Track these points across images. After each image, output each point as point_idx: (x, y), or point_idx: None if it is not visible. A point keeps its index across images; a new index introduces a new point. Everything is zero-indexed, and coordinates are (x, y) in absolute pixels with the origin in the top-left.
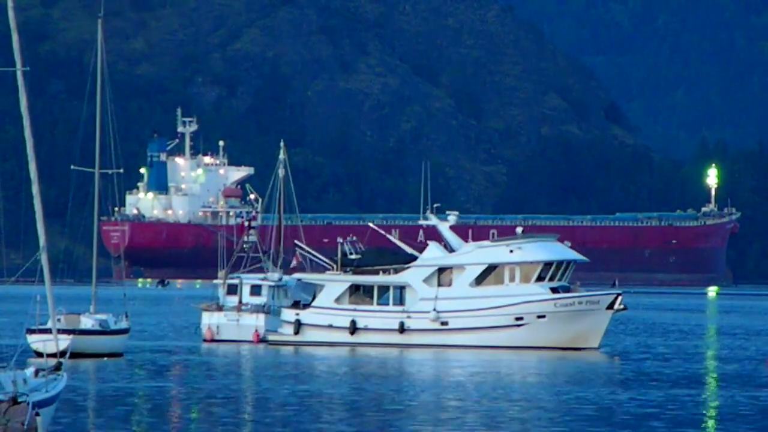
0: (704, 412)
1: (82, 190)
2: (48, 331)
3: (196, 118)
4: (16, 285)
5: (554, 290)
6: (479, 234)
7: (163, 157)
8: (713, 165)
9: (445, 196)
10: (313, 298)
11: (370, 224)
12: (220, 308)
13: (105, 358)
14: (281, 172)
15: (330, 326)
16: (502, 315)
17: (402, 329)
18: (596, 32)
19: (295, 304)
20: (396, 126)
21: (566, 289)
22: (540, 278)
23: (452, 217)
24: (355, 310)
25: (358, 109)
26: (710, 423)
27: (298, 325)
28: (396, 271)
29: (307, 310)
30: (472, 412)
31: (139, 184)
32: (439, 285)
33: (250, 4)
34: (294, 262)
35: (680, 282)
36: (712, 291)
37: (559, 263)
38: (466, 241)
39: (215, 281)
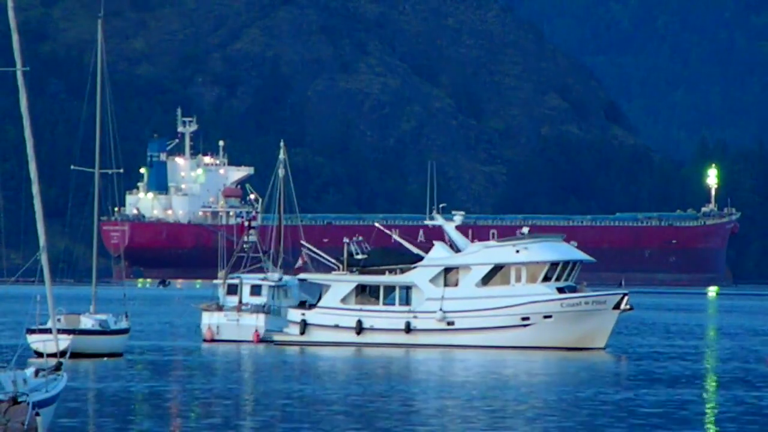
0: (704, 412)
1: (82, 190)
2: (48, 331)
3: (196, 118)
4: (16, 285)
5: (560, 290)
6: (479, 234)
7: (163, 157)
8: (713, 165)
9: (445, 196)
10: (319, 298)
11: (376, 224)
12: (220, 308)
13: (105, 358)
14: (281, 172)
15: (336, 326)
16: (509, 315)
17: (408, 329)
18: (596, 32)
19: (301, 305)
20: (396, 126)
21: (572, 289)
22: (546, 278)
23: (458, 217)
24: (361, 310)
25: (358, 109)
26: (710, 423)
27: (304, 325)
28: (402, 271)
29: (313, 310)
30: (477, 413)
31: (139, 184)
32: (446, 285)
33: (250, 4)
34: (300, 262)
35: (680, 282)
36: (712, 291)
37: (566, 263)
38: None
39: (215, 281)
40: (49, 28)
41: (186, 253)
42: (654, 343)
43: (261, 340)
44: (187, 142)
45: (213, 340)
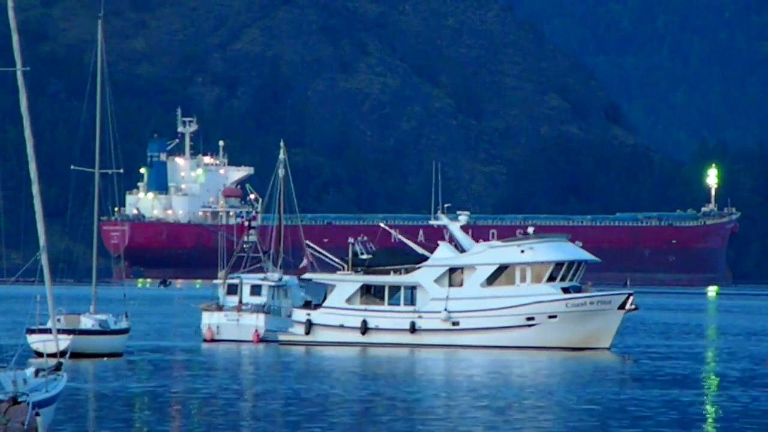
0: (703, 412)
1: (82, 190)
2: (48, 331)
3: (196, 118)
4: (16, 285)
5: (565, 290)
6: (479, 234)
7: (163, 157)
8: (713, 165)
9: (445, 196)
10: (324, 298)
11: (381, 224)
12: (220, 308)
13: (105, 358)
14: (281, 172)
15: (341, 326)
16: (514, 315)
17: (413, 329)
18: (596, 32)
19: (306, 304)
20: (396, 126)
21: (577, 289)
22: (551, 278)
23: (463, 218)
24: (366, 310)
25: (358, 109)
26: (710, 423)
27: (309, 325)
28: (407, 271)
29: (318, 310)
30: (482, 413)
31: (139, 184)
32: (450, 285)
33: (250, 4)
34: (305, 262)
35: (680, 282)
36: (712, 291)
37: (571, 263)
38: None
39: (215, 281)
40: (49, 28)
41: (186, 253)
42: (654, 344)
43: (262, 340)
44: (187, 142)
45: (213, 340)
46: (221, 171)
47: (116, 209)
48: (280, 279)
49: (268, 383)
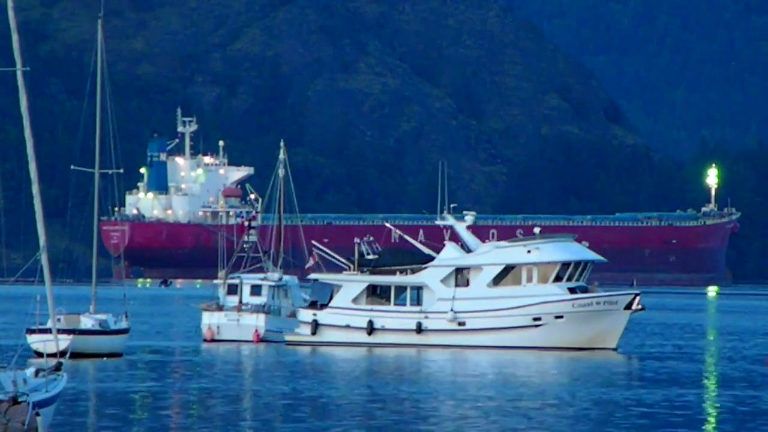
0: (703, 412)
1: (82, 190)
2: (48, 331)
3: (196, 118)
4: (16, 285)
5: (572, 290)
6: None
7: (163, 157)
8: (713, 165)
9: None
10: (330, 299)
11: (386, 224)
12: (220, 308)
13: (105, 358)
14: (281, 172)
15: (347, 326)
16: (520, 315)
17: (419, 329)
18: (596, 32)
19: (312, 305)
20: (396, 126)
21: (584, 290)
22: (558, 278)
23: (469, 218)
24: (372, 310)
25: (358, 109)
26: (710, 423)
27: (316, 326)
28: (413, 272)
29: (325, 310)
30: (488, 413)
31: (139, 184)
32: (457, 285)
33: (250, 4)
34: (311, 262)
35: (680, 282)
36: (712, 291)
37: (577, 263)
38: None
39: (215, 281)
40: (49, 28)
41: (186, 253)
42: (653, 344)
43: (262, 340)
44: (187, 142)
45: (213, 340)
46: (221, 171)
47: (116, 209)
48: (280, 279)
49: (270, 383)
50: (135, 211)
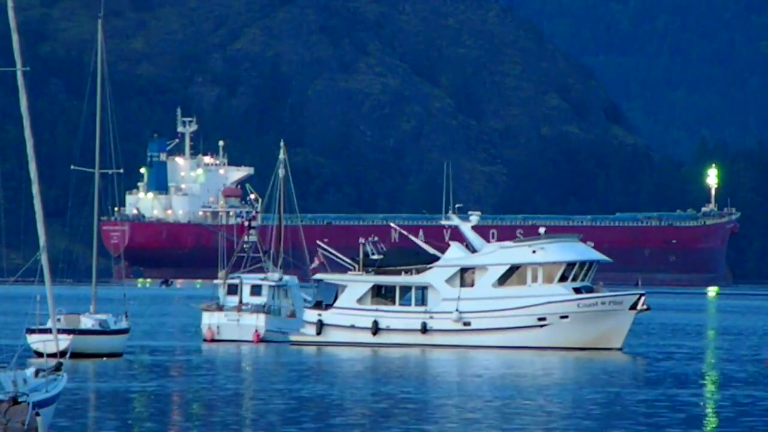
0: (703, 412)
1: (82, 190)
2: (48, 331)
3: (196, 118)
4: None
5: (577, 290)
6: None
7: (163, 157)
8: (713, 165)
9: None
10: (335, 299)
11: (392, 224)
12: (220, 308)
13: (105, 358)
14: (281, 172)
15: (352, 327)
16: (525, 315)
17: (424, 330)
18: (596, 32)
19: (317, 305)
20: (396, 126)
21: (589, 290)
22: (563, 278)
23: (474, 218)
24: (377, 310)
25: (358, 109)
26: (710, 423)
27: (320, 326)
28: (418, 272)
29: (330, 310)
30: (494, 413)
31: (139, 184)
32: (462, 285)
33: (250, 4)
34: (316, 262)
35: (680, 282)
36: (712, 291)
37: (582, 263)
38: (464, 243)
39: (215, 281)
40: (49, 28)
41: (186, 253)
42: (654, 343)
43: (262, 340)
44: (187, 142)
45: (213, 340)
46: (221, 171)
47: (116, 209)
48: (280, 279)
49: (272, 383)
50: (135, 211)
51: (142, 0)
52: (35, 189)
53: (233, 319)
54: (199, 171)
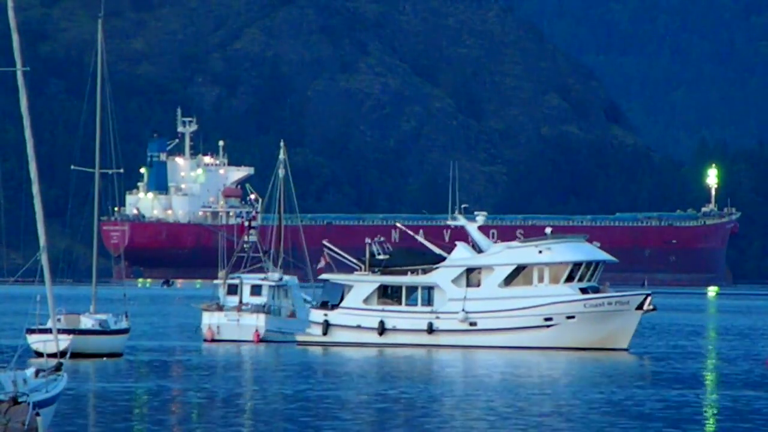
0: (703, 412)
1: (82, 190)
2: (48, 331)
3: (196, 118)
4: (16, 285)
5: (583, 291)
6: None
7: (163, 157)
8: (713, 165)
9: (444, 196)
10: (342, 299)
11: (397, 224)
12: (220, 308)
13: (105, 358)
14: (281, 172)
15: (358, 327)
16: (531, 316)
17: (430, 330)
18: (596, 32)
19: (323, 305)
20: (396, 126)
21: (595, 290)
22: (569, 279)
23: (480, 218)
24: (383, 310)
25: (358, 109)
26: (710, 423)
27: (327, 326)
28: (424, 272)
29: (336, 310)
30: (500, 414)
31: (139, 184)
32: (468, 285)
33: (250, 4)
34: (322, 263)
35: (680, 282)
36: (712, 291)
37: (588, 264)
38: (467, 242)
39: (215, 281)
40: (49, 28)
41: (186, 253)
42: (653, 344)
43: (262, 340)
44: (187, 142)
45: (213, 340)
46: (221, 171)
47: (116, 209)
48: (281, 279)
49: (275, 383)
50: (135, 211)
51: (142, 0)
52: (35, 189)
53: (233, 319)
54: (199, 171)
